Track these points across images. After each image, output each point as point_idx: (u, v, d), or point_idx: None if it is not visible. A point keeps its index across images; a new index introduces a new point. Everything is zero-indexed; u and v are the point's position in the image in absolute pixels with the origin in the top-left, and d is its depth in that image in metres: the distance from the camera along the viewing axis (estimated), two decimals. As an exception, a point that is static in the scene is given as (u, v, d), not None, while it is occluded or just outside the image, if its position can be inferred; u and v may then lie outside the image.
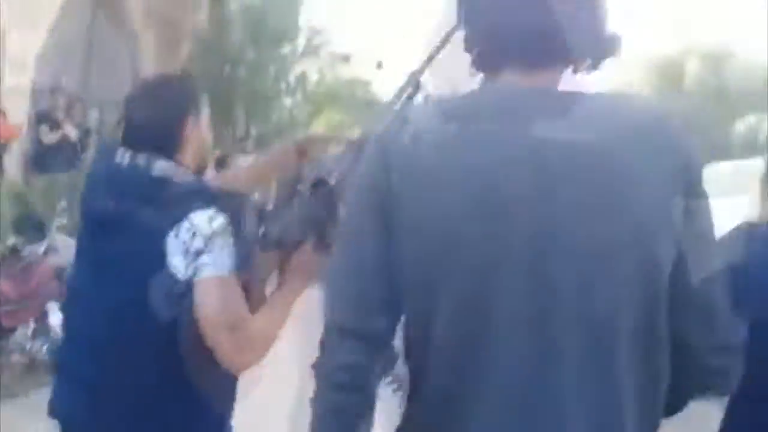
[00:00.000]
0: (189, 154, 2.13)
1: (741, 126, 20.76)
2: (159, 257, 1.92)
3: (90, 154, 10.69)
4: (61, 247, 8.18)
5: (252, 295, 2.03)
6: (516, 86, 1.37)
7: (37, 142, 10.14)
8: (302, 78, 15.54)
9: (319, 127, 16.96)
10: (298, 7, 14.73)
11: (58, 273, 7.80)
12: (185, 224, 1.93)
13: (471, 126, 1.30)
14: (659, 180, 1.25)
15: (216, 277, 1.92)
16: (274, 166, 2.32)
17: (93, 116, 11.80)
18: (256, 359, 1.98)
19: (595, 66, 1.41)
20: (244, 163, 13.06)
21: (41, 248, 8.17)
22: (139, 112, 2.12)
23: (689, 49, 25.25)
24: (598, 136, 1.26)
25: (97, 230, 2.09)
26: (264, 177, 2.37)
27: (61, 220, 8.59)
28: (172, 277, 1.93)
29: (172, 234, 1.93)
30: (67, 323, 2.29)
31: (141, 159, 2.03)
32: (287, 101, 15.29)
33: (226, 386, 2.09)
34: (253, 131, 14.50)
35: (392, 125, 1.38)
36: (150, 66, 13.01)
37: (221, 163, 14.39)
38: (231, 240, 1.96)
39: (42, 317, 7.46)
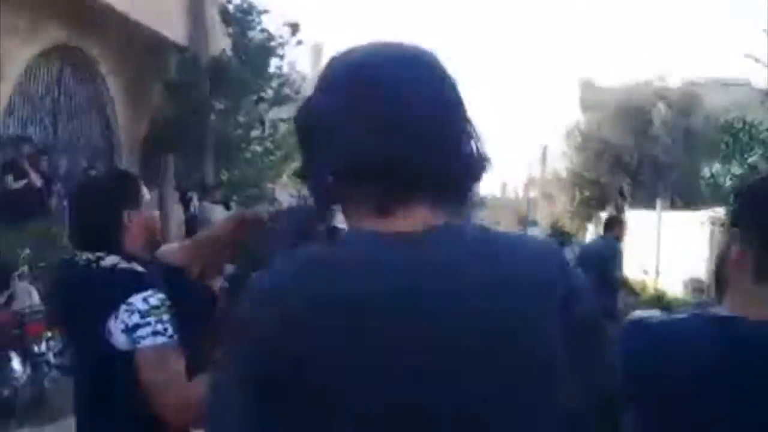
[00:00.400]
0: (134, 240, 2.50)
1: (707, 172, 21.06)
2: (101, 333, 2.30)
3: (55, 201, 10.88)
4: (22, 293, 8.36)
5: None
6: (382, 237, 1.20)
7: (2, 190, 10.33)
8: (273, 125, 15.76)
9: (289, 173, 17.14)
10: (269, 57, 15.01)
11: (19, 319, 7.96)
12: (123, 307, 2.29)
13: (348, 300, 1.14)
14: (548, 319, 1.18)
15: (151, 346, 2.26)
16: (213, 242, 2.53)
17: (62, 165, 12.03)
18: (193, 418, 2.23)
19: (463, 198, 1.27)
20: (212, 211, 13.27)
21: (3, 298, 8.34)
22: (80, 217, 2.56)
23: (657, 95, 25.69)
24: (481, 287, 1.17)
25: (66, 319, 2.58)
26: (205, 252, 2.57)
27: (23, 268, 8.74)
28: (116, 351, 2.28)
29: (113, 316, 2.29)
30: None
31: (90, 256, 2.44)
32: (258, 148, 15.48)
33: None
34: (224, 178, 14.69)
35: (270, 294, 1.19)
36: (121, 114, 13.27)
37: (186, 202, 14.56)
38: (167, 315, 2.31)
39: (3, 364, 7.60)
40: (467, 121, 1.27)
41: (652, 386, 1.47)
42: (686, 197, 21.19)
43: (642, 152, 24.21)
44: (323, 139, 1.24)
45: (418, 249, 1.19)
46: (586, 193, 24.95)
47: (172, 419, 2.28)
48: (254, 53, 14.74)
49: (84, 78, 12.56)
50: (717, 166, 17.99)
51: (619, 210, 23.03)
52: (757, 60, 24.04)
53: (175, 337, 2.31)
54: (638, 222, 21.44)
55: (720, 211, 15.45)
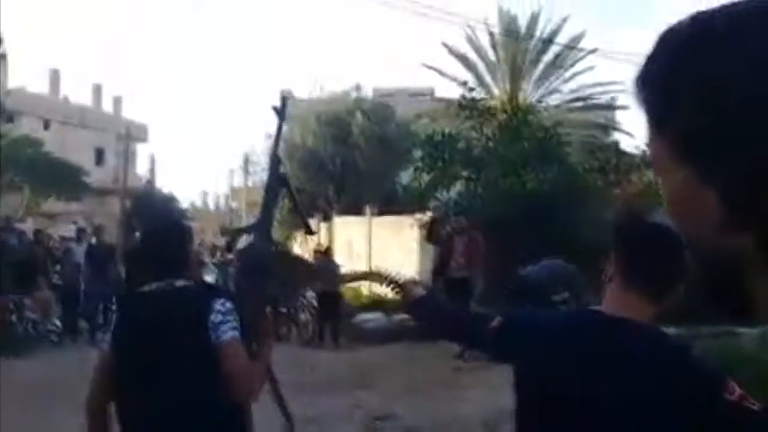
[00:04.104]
0: (192, 268, 3.44)
1: (404, 177, 22.57)
2: (199, 333, 3.04)
3: None
4: None
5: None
6: None
7: None
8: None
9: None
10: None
11: None
12: (212, 311, 3.06)
13: None
14: None
15: (229, 339, 3.04)
16: None
17: None
18: (257, 390, 3.20)
19: None
20: None
21: None
22: (162, 253, 3.33)
23: (354, 105, 27.04)
24: None
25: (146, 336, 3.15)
26: None
27: None
28: (210, 343, 3.03)
29: (209, 318, 3.05)
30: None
31: (161, 284, 3.23)
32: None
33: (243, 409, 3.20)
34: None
35: None
36: None
37: None
38: (236, 316, 3.09)
39: None
40: None
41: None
42: (383, 203, 22.54)
43: (344, 161, 25.38)
44: None
45: None
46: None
47: (242, 390, 3.06)
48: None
49: None
50: (410, 174, 19.49)
51: (328, 218, 24.03)
52: (440, 72, 26.33)
53: (242, 334, 3.09)
54: (347, 228, 22.55)
55: (422, 216, 16.74)
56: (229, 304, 3.11)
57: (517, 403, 2.28)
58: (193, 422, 3.06)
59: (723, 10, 0.76)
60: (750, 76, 0.70)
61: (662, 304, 2.16)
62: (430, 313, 2.88)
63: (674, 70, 0.76)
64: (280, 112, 4.23)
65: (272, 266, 3.29)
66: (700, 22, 0.77)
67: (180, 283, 3.22)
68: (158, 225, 3.70)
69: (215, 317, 3.05)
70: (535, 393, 2.22)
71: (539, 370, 2.21)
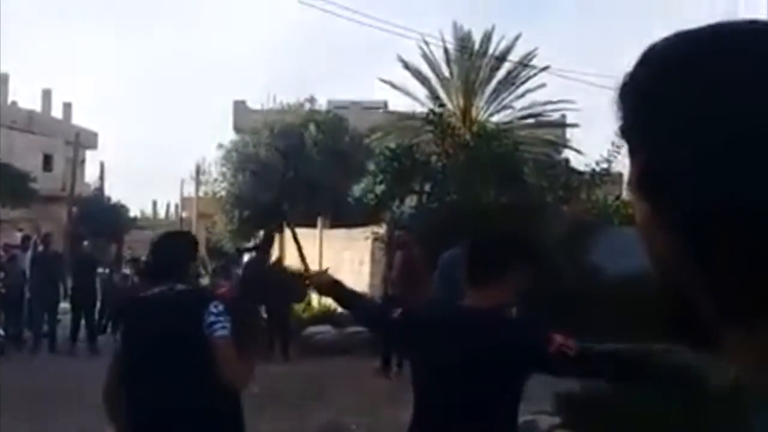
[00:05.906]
0: (192, 275, 4.12)
1: (357, 190, 22.56)
2: (196, 331, 3.62)
3: None
4: None
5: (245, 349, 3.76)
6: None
7: None
8: None
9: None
10: None
11: None
12: (207, 312, 3.62)
13: None
14: None
15: (219, 336, 3.60)
16: None
17: None
18: (246, 381, 3.77)
19: None
20: None
21: None
22: (168, 259, 3.98)
23: (308, 117, 27.00)
24: None
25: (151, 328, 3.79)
26: None
27: None
28: (205, 340, 3.59)
29: (204, 319, 3.60)
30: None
31: (164, 287, 3.84)
32: None
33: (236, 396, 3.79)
34: None
35: None
36: None
37: None
38: (228, 317, 3.64)
39: None
40: None
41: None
42: (335, 215, 22.52)
43: (297, 172, 25.27)
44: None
45: None
46: (246, 213, 25.46)
47: (232, 380, 3.58)
48: None
49: None
50: (362, 187, 19.49)
51: (280, 229, 23.90)
52: (393, 86, 26.44)
53: (231, 333, 3.64)
54: (299, 239, 22.47)
55: (377, 229, 16.75)
56: (221, 307, 3.67)
57: (412, 376, 3.21)
58: (192, 410, 3.61)
59: (709, 31, 0.71)
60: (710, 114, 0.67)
61: (496, 290, 3.07)
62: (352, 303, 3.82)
63: (644, 96, 0.72)
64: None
65: (269, 281, 3.92)
66: (682, 43, 0.72)
67: (179, 287, 3.80)
68: (167, 234, 4.36)
69: (209, 317, 3.61)
70: (421, 366, 3.20)
71: (422, 350, 3.17)
